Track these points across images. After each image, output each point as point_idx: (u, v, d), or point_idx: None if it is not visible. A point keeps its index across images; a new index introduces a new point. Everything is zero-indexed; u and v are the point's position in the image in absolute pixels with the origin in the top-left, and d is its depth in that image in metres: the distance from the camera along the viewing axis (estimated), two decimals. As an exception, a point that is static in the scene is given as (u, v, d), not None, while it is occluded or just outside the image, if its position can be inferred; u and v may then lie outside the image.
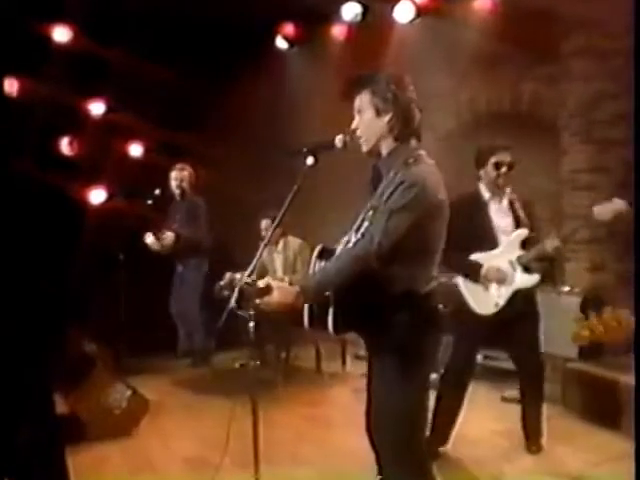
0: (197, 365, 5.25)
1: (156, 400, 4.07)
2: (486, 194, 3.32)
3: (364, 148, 2.09)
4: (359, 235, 1.98)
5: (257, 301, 1.99)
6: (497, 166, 3.27)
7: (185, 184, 5.27)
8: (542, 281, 3.28)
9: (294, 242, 5.07)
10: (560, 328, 3.98)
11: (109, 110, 5.53)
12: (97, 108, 5.52)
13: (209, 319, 5.24)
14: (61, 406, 3.61)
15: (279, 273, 5.08)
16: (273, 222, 4.95)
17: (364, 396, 4.27)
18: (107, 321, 4.65)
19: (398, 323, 1.99)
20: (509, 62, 4.99)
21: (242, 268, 5.46)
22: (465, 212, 3.11)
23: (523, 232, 3.25)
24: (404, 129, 2.04)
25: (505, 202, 3.30)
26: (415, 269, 2.00)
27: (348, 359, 5.18)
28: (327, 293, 1.93)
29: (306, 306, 2.00)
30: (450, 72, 5.21)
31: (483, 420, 3.79)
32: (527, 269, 3.24)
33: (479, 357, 4.41)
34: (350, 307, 1.96)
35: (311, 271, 2.08)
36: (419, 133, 2.08)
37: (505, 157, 3.29)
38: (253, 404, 2.16)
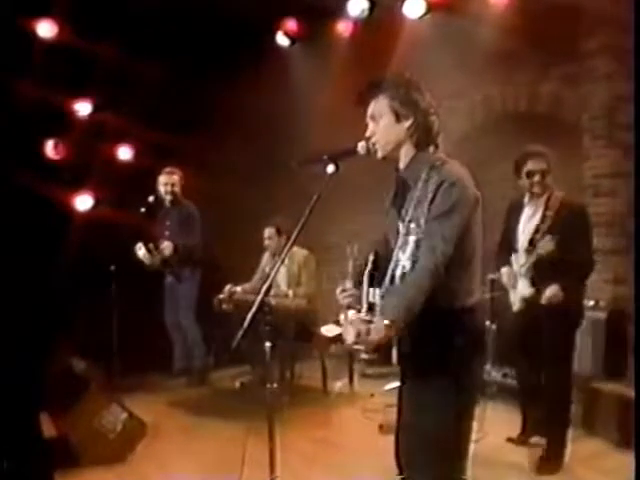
0: (194, 384, 5.23)
1: (152, 422, 4.04)
2: (525, 200, 3.50)
3: (379, 154, 2.09)
4: (409, 252, 1.93)
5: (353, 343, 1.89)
6: (529, 175, 3.38)
7: (176, 189, 5.26)
8: (566, 294, 3.30)
9: (299, 253, 5.05)
10: (583, 345, 3.97)
11: (96, 110, 5.50)
12: (84, 108, 5.49)
13: (206, 333, 5.24)
14: (51, 429, 3.60)
15: (282, 286, 5.06)
16: (278, 231, 5.02)
17: (375, 417, 4.25)
18: (98, 338, 4.63)
19: (439, 342, 1.96)
20: (527, 60, 4.98)
21: (237, 278, 5.46)
22: (507, 217, 3.56)
23: (528, 236, 3.37)
24: (424, 136, 2.05)
25: (540, 208, 3.39)
26: (459, 279, 1.99)
27: (355, 377, 5.15)
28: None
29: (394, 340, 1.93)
30: (463, 71, 5.20)
31: (501, 439, 3.78)
32: (533, 278, 3.35)
33: (498, 375, 4.43)
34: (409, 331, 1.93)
35: (364, 299, 1.98)
36: (437, 140, 2.09)
37: (537, 165, 3.37)
38: (270, 428, 2.14)
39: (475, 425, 3.02)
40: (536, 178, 3.36)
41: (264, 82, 5.44)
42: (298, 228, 2.09)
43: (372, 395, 4.62)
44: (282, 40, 5.97)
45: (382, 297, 1.94)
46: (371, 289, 1.99)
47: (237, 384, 5.08)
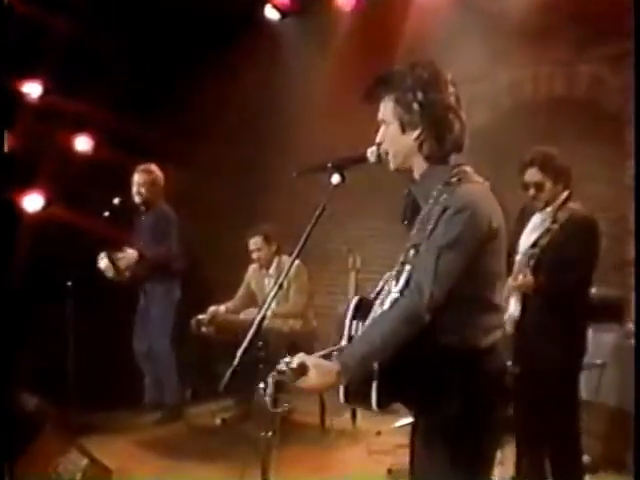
0: (168, 421, 5.19)
1: (118, 468, 3.99)
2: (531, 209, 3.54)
3: (391, 165, 2.09)
4: (401, 284, 1.93)
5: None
6: (525, 187, 3.42)
7: (151, 190, 5.23)
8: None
9: (288, 263, 5.02)
10: (623, 377, 3.95)
11: (48, 93, 5.46)
12: (33, 90, 5.45)
13: (182, 361, 5.22)
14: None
15: (272, 304, 5.01)
16: (265, 240, 5.07)
17: (383, 459, 4.22)
18: (53, 368, 4.58)
19: (451, 389, 1.95)
20: (562, 38, 5.00)
21: (222, 295, 5.43)
22: (515, 223, 3.48)
23: (525, 250, 3.39)
24: (437, 148, 2.01)
25: (547, 220, 3.41)
26: (469, 317, 1.97)
27: (359, 412, 5.11)
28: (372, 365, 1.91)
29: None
30: (486, 50, 5.17)
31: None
32: (524, 298, 3.38)
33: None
34: (395, 374, 1.92)
35: (346, 332, 2.03)
36: (460, 145, 2.04)
37: (531, 176, 3.39)
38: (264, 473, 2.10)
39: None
40: (530, 192, 3.40)
41: (250, 64, 5.44)
42: (299, 247, 2.07)
43: (379, 433, 4.60)
44: (271, 13, 5.98)
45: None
46: (354, 322, 2.03)
47: (218, 421, 5.06)
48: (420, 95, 1.98)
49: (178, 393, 5.23)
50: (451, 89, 2.01)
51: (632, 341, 4.15)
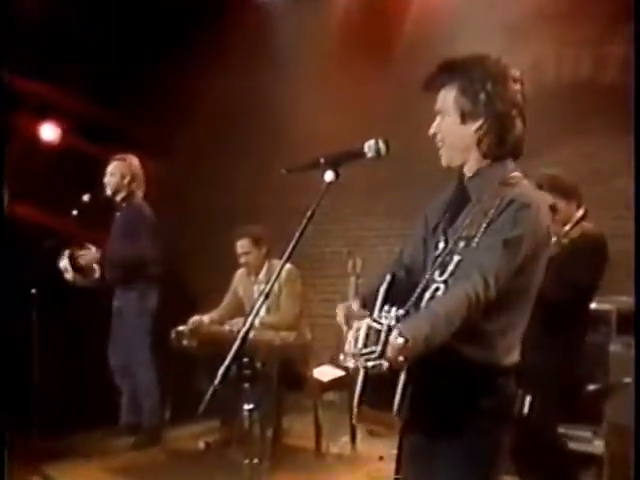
0: (145, 444, 5.17)
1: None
2: None
3: (443, 161, 2.16)
4: (448, 273, 2.00)
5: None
6: None
7: (125, 182, 5.20)
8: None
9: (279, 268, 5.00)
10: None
11: (9, 73, 5.34)
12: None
13: (161, 378, 5.19)
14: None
15: (261, 313, 5.00)
16: (254, 242, 5.06)
17: (384, 487, 4.15)
18: (15, 385, 4.49)
19: (467, 409, 1.99)
20: (588, 15, 4.99)
21: (206, 303, 5.40)
22: None
23: None
24: (497, 145, 2.08)
25: (559, 236, 3.52)
26: (498, 328, 2.01)
27: (359, 434, 5.10)
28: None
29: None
30: (505, 29, 5.16)
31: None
32: None
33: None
34: (421, 380, 1.92)
35: (377, 316, 1.96)
36: (520, 150, 2.12)
37: None
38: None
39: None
40: None
41: (237, 47, 5.42)
42: (290, 249, 2.08)
43: (381, 458, 4.58)
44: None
45: (398, 320, 1.92)
46: (386, 306, 1.99)
47: (201, 445, 5.04)
48: (489, 86, 2.05)
49: (156, 414, 5.20)
50: (517, 86, 2.10)
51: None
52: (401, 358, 1.81)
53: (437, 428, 2.03)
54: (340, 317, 2.11)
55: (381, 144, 2.13)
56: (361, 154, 2.15)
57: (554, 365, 3.44)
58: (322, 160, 2.15)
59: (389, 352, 1.79)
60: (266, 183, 5.74)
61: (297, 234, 2.06)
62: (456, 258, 2.00)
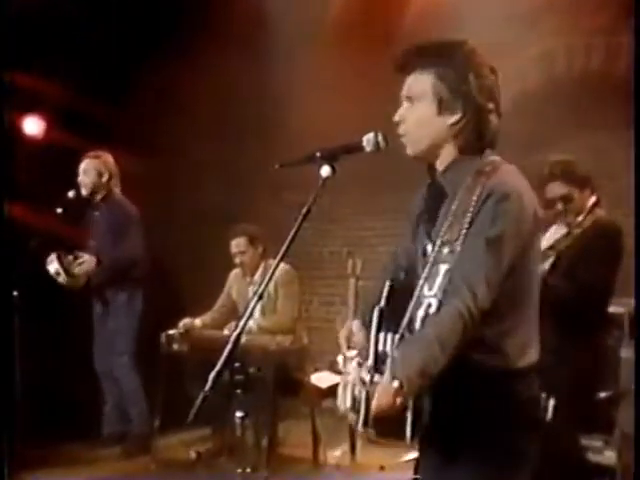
0: (132, 454, 5.17)
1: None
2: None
3: (410, 150, 2.10)
4: (438, 287, 1.93)
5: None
6: (549, 205, 3.55)
7: (101, 180, 5.20)
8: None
9: (277, 269, 5.00)
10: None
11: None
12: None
13: (150, 384, 5.17)
14: None
15: (255, 314, 5.00)
16: (250, 241, 5.05)
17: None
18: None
19: (477, 416, 1.98)
20: (602, 2, 4.99)
21: (197, 306, 5.41)
22: None
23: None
24: (476, 139, 2.05)
25: (571, 225, 3.58)
26: (507, 328, 1.99)
27: (359, 443, 5.11)
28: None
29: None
30: (513, 17, 5.17)
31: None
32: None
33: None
34: (432, 393, 1.92)
35: (372, 348, 2.00)
36: (495, 141, 2.08)
37: (555, 191, 3.57)
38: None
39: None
40: (558, 206, 3.57)
41: (228, 35, 5.41)
42: (284, 249, 2.08)
43: (382, 468, 4.61)
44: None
45: (397, 346, 1.94)
46: (382, 334, 1.99)
47: (192, 454, 5.04)
48: (470, 76, 2.01)
49: (145, 421, 5.20)
50: (493, 77, 2.06)
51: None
52: (399, 400, 1.81)
53: (453, 439, 2.02)
54: (342, 340, 2.13)
55: (380, 138, 2.11)
56: (359, 148, 2.13)
57: (569, 370, 3.38)
58: (318, 154, 2.14)
59: (378, 401, 1.81)
60: (261, 180, 5.74)
61: (292, 232, 2.06)
62: (443, 268, 1.93)
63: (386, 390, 1.82)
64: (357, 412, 1.90)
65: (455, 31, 5.01)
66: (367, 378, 1.91)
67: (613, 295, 3.66)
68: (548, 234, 3.61)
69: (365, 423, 1.88)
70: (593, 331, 3.58)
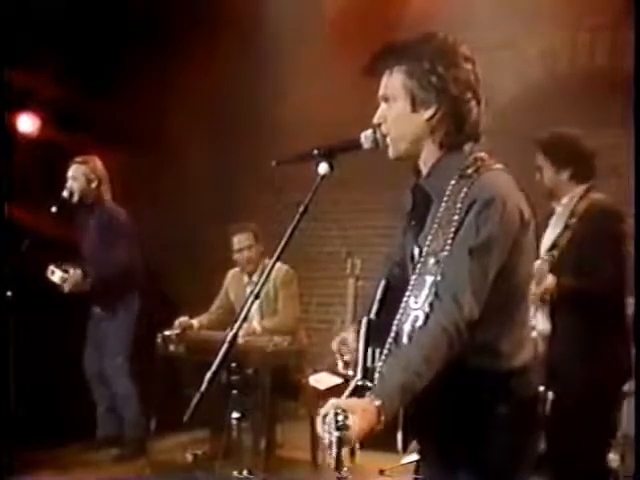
0: (127, 457, 5.17)
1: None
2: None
3: (391, 152, 2.10)
4: (422, 299, 1.94)
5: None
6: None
7: (90, 187, 5.18)
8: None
9: (276, 269, 5.00)
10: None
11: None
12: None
13: (146, 386, 5.17)
14: None
15: (255, 315, 5.03)
16: (255, 237, 5.05)
17: (386, 502, 4.17)
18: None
19: (474, 418, 1.98)
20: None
21: (194, 307, 5.42)
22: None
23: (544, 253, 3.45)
24: (454, 133, 2.04)
25: (566, 213, 3.53)
26: (500, 330, 2.00)
27: (358, 446, 5.12)
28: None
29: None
30: (512, 13, 5.17)
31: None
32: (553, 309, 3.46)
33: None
34: (421, 407, 1.91)
35: (360, 363, 2.04)
36: (478, 133, 2.07)
37: (536, 160, 3.60)
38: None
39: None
40: (537, 176, 3.56)
41: (226, 26, 5.40)
42: (280, 248, 2.08)
43: (382, 471, 4.54)
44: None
45: (384, 361, 1.96)
46: (369, 349, 2.02)
47: (189, 457, 5.02)
48: (440, 68, 2.00)
49: (139, 424, 5.20)
50: (470, 66, 2.04)
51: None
52: (382, 418, 1.80)
53: (452, 441, 2.03)
54: (335, 349, 2.18)
55: (379, 135, 2.10)
56: (357, 145, 2.13)
57: (580, 369, 3.36)
58: (315, 151, 2.14)
59: (364, 422, 1.78)
60: (258, 179, 5.74)
61: (289, 230, 2.05)
62: (429, 280, 1.94)
63: (367, 410, 1.80)
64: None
65: (456, 29, 5.01)
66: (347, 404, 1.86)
67: (627, 279, 3.53)
68: (547, 234, 3.58)
69: (336, 467, 1.84)
70: (615, 327, 3.48)
